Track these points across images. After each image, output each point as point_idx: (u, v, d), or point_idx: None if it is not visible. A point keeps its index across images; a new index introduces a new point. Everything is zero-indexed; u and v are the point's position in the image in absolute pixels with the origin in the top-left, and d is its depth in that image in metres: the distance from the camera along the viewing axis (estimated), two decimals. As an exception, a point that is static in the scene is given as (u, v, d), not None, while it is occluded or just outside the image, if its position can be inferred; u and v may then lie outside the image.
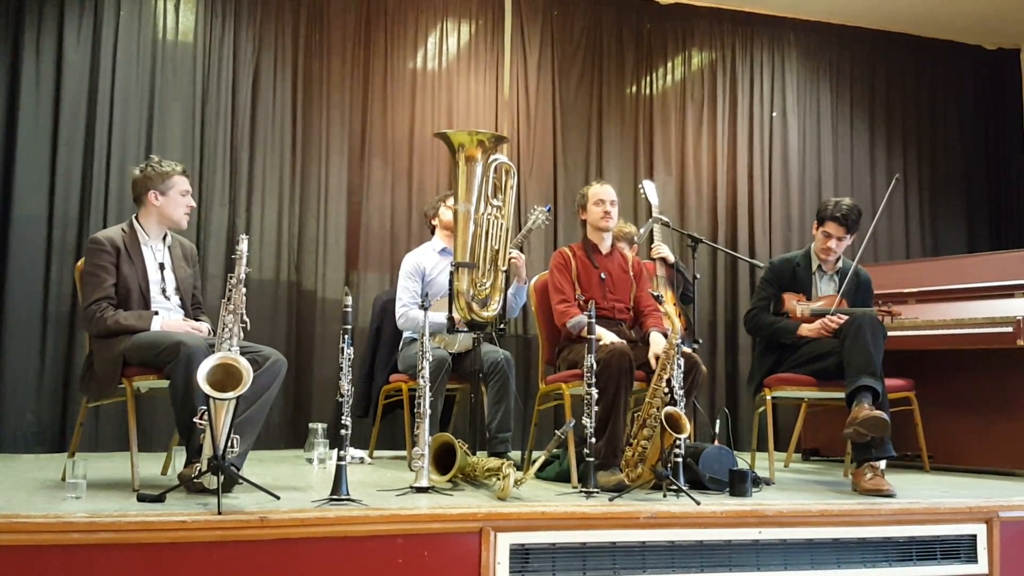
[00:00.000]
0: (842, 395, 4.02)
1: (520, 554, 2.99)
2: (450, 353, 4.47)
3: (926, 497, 3.67)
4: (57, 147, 5.30)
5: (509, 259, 4.21)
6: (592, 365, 3.59)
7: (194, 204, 3.85)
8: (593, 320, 3.67)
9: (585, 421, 3.53)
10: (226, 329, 3.20)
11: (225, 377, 2.94)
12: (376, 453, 5.04)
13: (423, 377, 3.55)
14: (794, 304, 4.48)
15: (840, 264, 4.62)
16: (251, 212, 5.69)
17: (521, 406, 5.19)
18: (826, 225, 4.50)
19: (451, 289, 4.00)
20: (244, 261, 3.29)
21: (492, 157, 4.03)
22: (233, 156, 5.69)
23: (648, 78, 6.74)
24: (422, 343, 3.60)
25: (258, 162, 5.74)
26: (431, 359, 3.63)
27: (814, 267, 4.61)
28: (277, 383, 3.49)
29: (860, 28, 7.18)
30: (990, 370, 4.90)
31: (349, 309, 3.25)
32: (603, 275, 4.34)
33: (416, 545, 2.88)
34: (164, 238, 3.81)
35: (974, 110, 7.53)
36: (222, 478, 2.89)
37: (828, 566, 3.28)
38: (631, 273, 4.45)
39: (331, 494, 3.05)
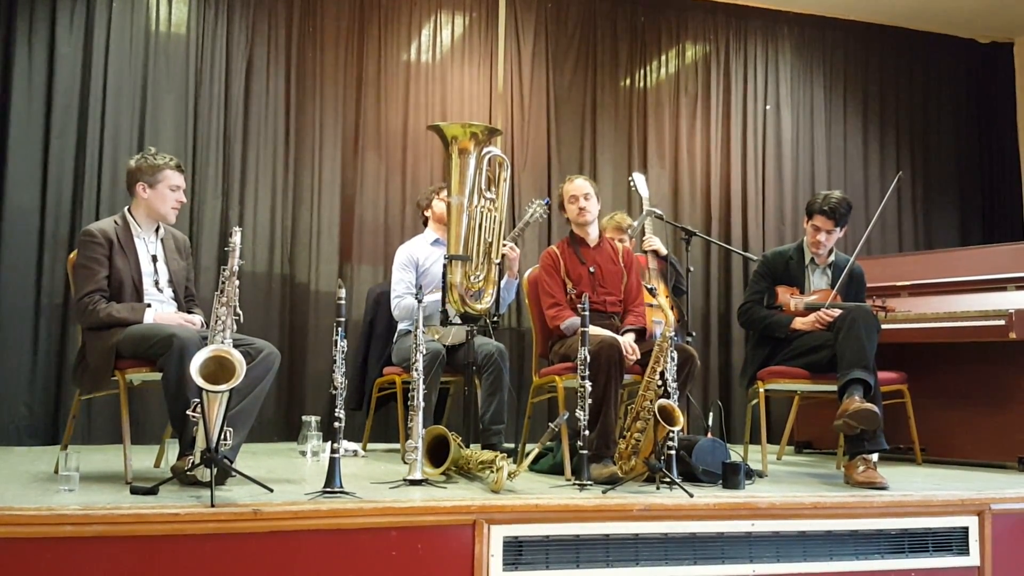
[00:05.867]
0: (835, 388, 4.03)
1: (514, 546, 2.99)
2: (444, 345, 4.47)
3: (918, 490, 3.68)
4: (49, 139, 5.28)
5: (502, 253, 4.21)
6: (585, 358, 3.60)
7: (184, 200, 3.81)
8: (587, 313, 3.66)
9: (579, 414, 3.54)
10: (219, 322, 3.19)
11: (218, 370, 2.94)
12: (369, 446, 5.04)
13: (417, 370, 3.55)
14: (787, 297, 4.49)
15: (833, 257, 4.63)
16: (244, 204, 5.68)
17: (515, 398, 5.20)
18: (815, 218, 4.52)
19: (444, 282, 4.00)
20: (237, 253, 3.28)
21: (485, 150, 4.02)
22: (226, 148, 5.67)
23: (642, 71, 6.74)
24: (416, 335, 3.60)
25: (251, 154, 5.73)
26: (425, 352, 3.64)
27: (807, 260, 4.62)
28: (270, 376, 3.49)
29: (853, 21, 7.18)
30: (982, 363, 4.91)
31: (342, 302, 3.24)
32: (591, 269, 4.34)
33: (409, 538, 2.89)
34: (157, 230, 3.80)
35: (967, 103, 7.54)
36: (215, 471, 2.89)
37: (821, 558, 3.29)
38: (621, 264, 4.45)
39: (324, 487, 3.05)
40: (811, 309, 4.39)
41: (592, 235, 4.44)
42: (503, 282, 4.32)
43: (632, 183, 5.36)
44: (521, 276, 4.78)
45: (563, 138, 6.46)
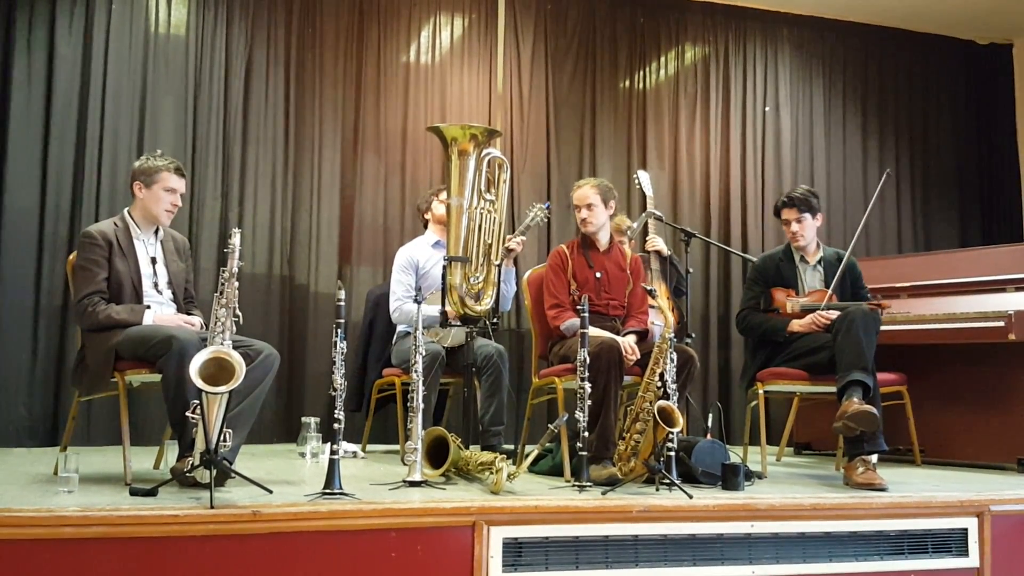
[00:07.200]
0: (834, 389, 4.02)
1: (513, 548, 2.99)
2: (443, 347, 4.47)
3: (917, 491, 3.68)
4: (49, 141, 5.28)
5: (506, 248, 4.22)
6: (585, 359, 3.59)
7: (179, 204, 3.79)
8: (586, 315, 3.66)
9: (578, 415, 3.54)
10: (218, 323, 3.19)
11: (217, 371, 2.94)
12: (369, 447, 5.03)
13: (416, 371, 3.55)
14: (783, 299, 4.49)
15: (822, 252, 4.64)
16: (243, 206, 5.68)
17: (514, 400, 5.20)
18: (781, 215, 4.60)
19: (444, 283, 4.00)
20: (236, 255, 3.28)
21: (485, 151, 4.03)
22: (225, 150, 5.67)
23: (642, 72, 6.74)
24: (415, 337, 3.60)
25: (251, 156, 5.73)
26: (424, 353, 3.63)
27: (796, 259, 4.63)
28: (270, 377, 3.49)
29: (853, 23, 7.19)
30: (981, 364, 4.90)
31: (342, 303, 3.24)
32: (598, 274, 4.34)
33: (409, 539, 2.89)
34: (156, 232, 3.80)
35: (966, 105, 7.55)
36: (215, 472, 2.89)
37: (820, 559, 3.29)
38: (628, 271, 4.45)
39: (324, 488, 3.05)
40: (807, 310, 4.39)
41: (602, 240, 4.43)
42: (503, 273, 4.30)
43: (637, 181, 5.37)
44: (521, 277, 4.77)
45: (562, 139, 6.46)
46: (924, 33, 7.36)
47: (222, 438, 2.99)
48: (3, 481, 3.44)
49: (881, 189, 4.97)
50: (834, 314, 4.26)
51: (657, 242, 5.16)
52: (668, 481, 3.43)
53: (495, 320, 4.18)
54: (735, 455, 3.90)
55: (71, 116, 5.35)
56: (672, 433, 3.50)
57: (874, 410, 3.78)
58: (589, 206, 4.35)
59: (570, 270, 4.33)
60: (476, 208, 4.01)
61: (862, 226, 4.86)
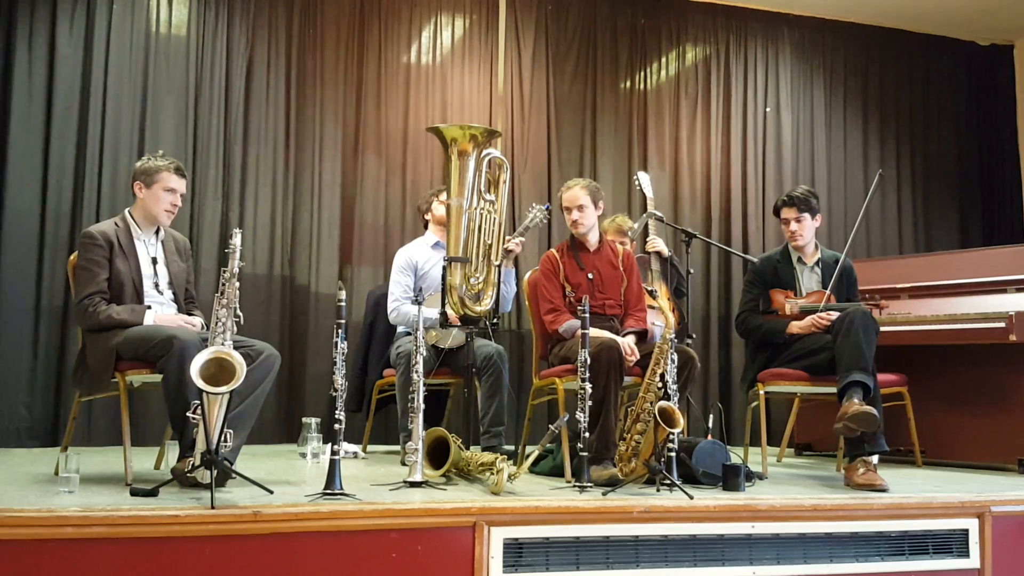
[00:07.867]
0: (835, 390, 4.02)
1: (514, 548, 2.99)
2: (444, 348, 4.47)
3: (918, 492, 3.69)
4: (50, 141, 5.29)
5: (506, 249, 4.21)
6: (585, 360, 3.59)
7: (179, 204, 3.80)
8: (587, 316, 3.66)
9: (579, 416, 3.54)
10: (219, 323, 3.19)
11: (218, 371, 2.94)
12: (369, 448, 5.04)
13: (416, 372, 3.55)
14: (782, 300, 4.49)
15: (820, 254, 4.64)
16: (244, 206, 5.68)
17: (515, 400, 5.19)
18: (780, 214, 4.60)
19: (444, 284, 3.99)
20: (237, 255, 3.28)
21: (485, 152, 4.02)
22: (226, 150, 5.67)
23: (642, 73, 6.74)
24: (416, 337, 3.59)
25: (251, 156, 5.73)
26: (424, 354, 3.62)
27: (794, 260, 4.63)
28: (270, 378, 3.49)
29: (854, 24, 7.19)
30: (982, 365, 4.90)
31: (343, 304, 3.24)
32: (590, 275, 4.33)
33: (410, 539, 2.89)
34: (157, 232, 3.80)
35: (967, 106, 7.55)
36: (215, 472, 2.89)
37: (821, 560, 3.29)
38: (621, 268, 4.44)
39: (325, 488, 3.05)
40: (806, 312, 4.39)
41: (592, 240, 4.42)
42: (503, 274, 4.29)
43: (637, 182, 5.37)
44: (521, 278, 4.77)
45: (563, 140, 6.46)
46: (925, 34, 7.36)
47: (223, 438, 2.99)
48: (3, 481, 3.44)
49: (875, 189, 4.98)
50: (833, 315, 4.26)
51: (658, 243, 5.16)
52: (669, 482, 3.43)
53: (495, 321, 4.18)
54: (736, 456, 3.90)
55: (72, 116, 5.35)
56: (673, 434, 3.50)
57: (874, 411, 3.78)
58: (580, 207, 4.34)
59: (562, 274, 4.32)
60: (476, 209, 4.01)
61: (856, 227, 4.86)
